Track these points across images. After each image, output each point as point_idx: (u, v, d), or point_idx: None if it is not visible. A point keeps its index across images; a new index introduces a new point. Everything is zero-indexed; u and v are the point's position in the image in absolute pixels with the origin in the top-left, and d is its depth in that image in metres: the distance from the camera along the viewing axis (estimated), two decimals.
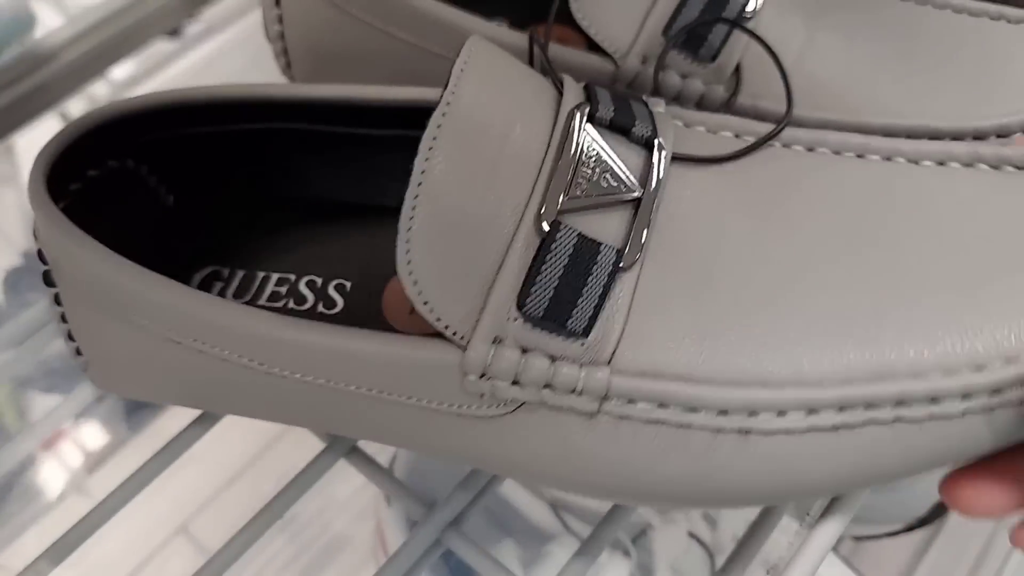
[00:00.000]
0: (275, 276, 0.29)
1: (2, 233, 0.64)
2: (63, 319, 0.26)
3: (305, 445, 0.29)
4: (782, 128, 0.23)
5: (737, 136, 0.24)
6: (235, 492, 0.66)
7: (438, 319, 0.20)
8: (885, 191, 0.22)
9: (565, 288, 0.20)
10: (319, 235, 0.29)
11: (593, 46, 0.29)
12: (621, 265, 0.21)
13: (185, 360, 0.24)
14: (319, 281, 0.29)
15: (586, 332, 0.20)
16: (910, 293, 0.20)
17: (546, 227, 0.20)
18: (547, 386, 0.21)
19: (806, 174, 0.22)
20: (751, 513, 0.26)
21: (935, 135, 0.27)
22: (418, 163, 0.20)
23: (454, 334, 0.21)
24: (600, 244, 0.20)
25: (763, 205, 0.22)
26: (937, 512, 0.52)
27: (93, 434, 0.64)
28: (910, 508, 0.52)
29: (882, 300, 0.20)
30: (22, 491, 0.60)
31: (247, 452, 0.66)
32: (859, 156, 0.23)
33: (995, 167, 0.22)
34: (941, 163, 0.22)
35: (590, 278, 0.20)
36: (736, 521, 0.45)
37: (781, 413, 0.20)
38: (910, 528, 0.53)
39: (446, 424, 0.22)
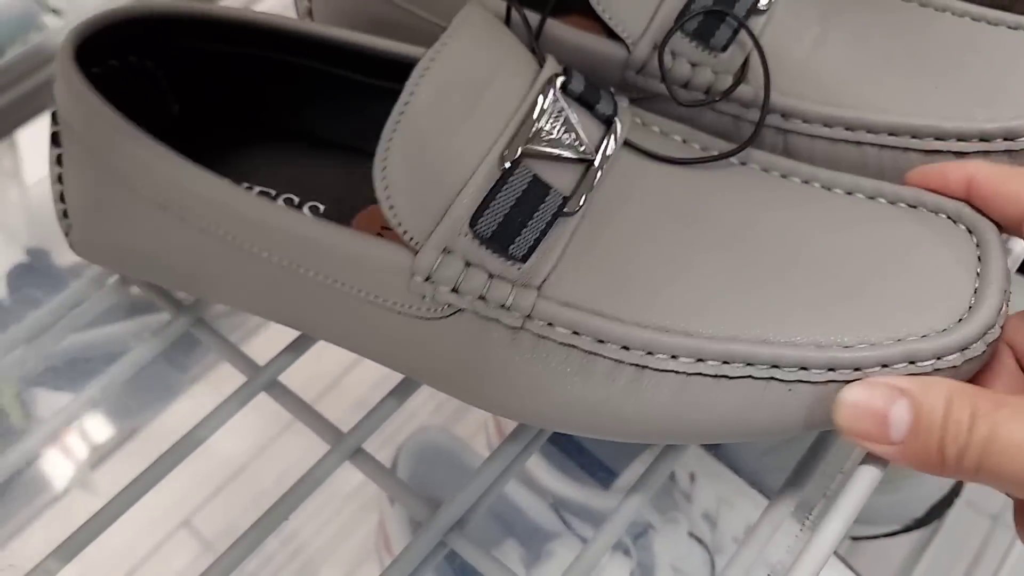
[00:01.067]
0: (257, 188, 0.31)
1: (6, 229, 0.64)
2: (60, 180, 0.29)
3: (307, 442, 0.29)
4: (740, 149, 0.26)
5: (704, 149, 0.27)
6: (238, 486, 0.66)
7: (399, 224, 0.24)
8: (798, 212, 0.25)
9: (514, 218, 0.23)
10: (301, 162, 0.32)
11: (608, 32, 0.29)
12: (565, 210, 0.24)
13: (168, 230, 0.26)
14: (296, 200, 0.31)
15: (524, 259, 0.23)
16: (794, 287, 0.23)
17: (507, 164, 0.23)
18: (481, 298, 0.24)
19: (739, 191, 0.26)
20: (752, 515, 0.26)
21: (941, 135, 0.27)
22: (406, 90, 0.23)
23: (410, 239, 0.24)
24: (550, 188, 0.24)
25: (693, 206, 0.25)
26: (934, 513, 0.52)
27: (98, 430, 0.64)
28: (908, 509, 0.52)
29: (772, 289, 0.23)
30: (27, 487, 0.60)
31: (249, 447, 0.67)
32: (804, 182, 0.26)
33: (891, 202, 0.25)
34: (849, 192, 0.26)
35: (536, 214, 0.24)
36: (736, 522, 0.46)
37: (674, 356, 0.23)
38: (908, 529, 0.53)
39: (386, 321, 0.25)
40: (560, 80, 0.25)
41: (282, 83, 0.32)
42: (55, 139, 0.28)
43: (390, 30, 0.32)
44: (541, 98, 0.24)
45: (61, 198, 0.29)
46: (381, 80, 0.30)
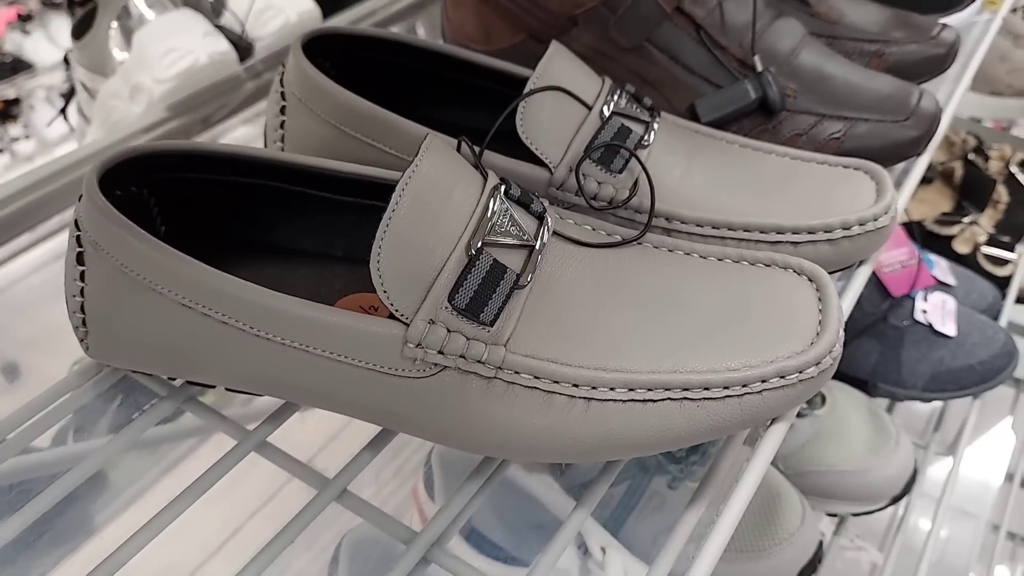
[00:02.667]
0: None
1: None
2: (81, 293, 0.33)
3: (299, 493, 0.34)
4: (636, 239, 0.35)
5: (609, 235, 0.35)
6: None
7: (391, 303, 0.30)
8: (686, 275, 0.33)
9: (481, 292, 0.30)
10: (278, 268, 0.39)
11: (534, 159, 0.38)
12: (518, 284, 0.31)
13: (191, 326, 0.32)
14: None
15: (492, 323, 0.30)
16: (690, 328, 0.31)
17: (473, 252, 0.30)
18: (462, 356, 0.30)
19: (641, 263, 0.34)
20: None
21: (780, 230, 0.37)
22: (391, 202, 0.30)
23: (402, 315, 0.30)
24: (507, 268, 0.31)
25: (608, 275, 0.33)
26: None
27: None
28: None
29: (674, 331, 0.31)
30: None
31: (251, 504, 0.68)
32: (685, 254, 0.35)
33: (752, 264, 0.34)
34: (720, 259, 0.34)
35: (498, 288, 0.30)
36: None
37: (612, 388, 0.30)
38: None
39: (382, 384, 0.31)
40: (503, 188, 0.33)
41: (259, 204, 0.38)
42: (79, 259, 0.33)
43: (347, 156, 0.39)
44: (491, 201, 0.32)
45: (81, 309, 0.34)
46: (342, 196, 0.37)
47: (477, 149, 0.36)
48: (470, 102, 0.47)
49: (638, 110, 0.40)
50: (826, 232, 0.37)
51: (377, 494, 0.89)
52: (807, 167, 0.41)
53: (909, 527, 0.69)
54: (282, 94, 0.41)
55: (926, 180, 0.88)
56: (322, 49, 0.43)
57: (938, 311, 0.66)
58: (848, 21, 0.52)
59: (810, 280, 0.33)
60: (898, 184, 0.47)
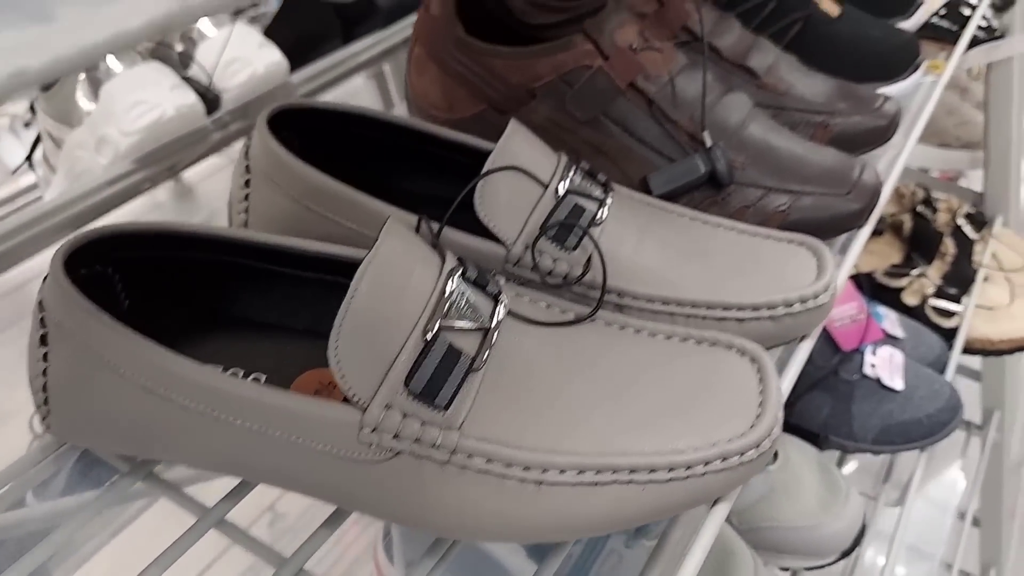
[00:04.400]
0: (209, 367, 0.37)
1: None
2: (43, 373, 0.34)
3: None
4: (588, 317, 0.36)
5: (563, 312, 0.37)
6: None
7: (349, 389, 0.30)
8: (635, 354, 0.35)
9: (436, 376, 0.31)
10: (242, 342, 0.39)
11: (491, 236, 0.39)
12: (473, 367, 0.32)
13: (151, 408, 0.32)
14: (241, 373, 0.38)
15: (447, 407, 0.31)
16: (637, 409, 0.33)
17: (429, 337, 0.31)
18: (417, 440, 0.31)
19: (592, 341, 0.35)
20: None
21: (727, 307, 0.38)
22: (351, 288, 0.31)
23: (358, 400, 0.30)
24: (461, 352, 0.32)
25: (561, 354, 0.34)
26: None
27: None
28: None
29: (622, 411, 0.32)
30: None
31: None
32: (636, 331, 0.36)
33: (698, 342, 0.36)
34: (668, 336, 0.36)
35: (452, 372, 0.31)
36: None
37: (562, 471, 0.31)
38: None
39: (338, 467, 0.31)
40: (459, 270, 0.34)
41: (223, 279, 0.39)
42: (43, 340, 0.34)
43: (310, 231, 0.40)
44: (448, 284, 0.33)
45: (43, 388, 0.34)
46: (305, 272, 0.38)
47: (437, 226, 0.38)
48: (436, 172, 0.48)
49: (592, 187, 0.42)
50: (769, 309, 0.38)
51: (340, 539, 0.89)
52: (753, 241, 0.43)
53: (865, 567, 0.71)
54: (247, 167, 0.42)
55: (876, 232, 0.91)
56: (289, 122, 0.45)
57: (886, 365, 0.68)
58: (795, 93, 0.55)
59: (752, 361, 0.34)
60: (844, 249, 0.50)
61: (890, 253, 0.90)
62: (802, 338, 0.40)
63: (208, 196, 0.81)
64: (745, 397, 0.33)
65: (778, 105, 0.54)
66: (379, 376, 0.30)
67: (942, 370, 0.76)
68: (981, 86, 1.05)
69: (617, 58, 0.48)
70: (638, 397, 0.33)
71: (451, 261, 0.34)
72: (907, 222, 0.91)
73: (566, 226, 0.39)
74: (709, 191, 0.47)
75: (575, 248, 0.39)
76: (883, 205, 0.49)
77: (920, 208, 0.93)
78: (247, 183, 0.42)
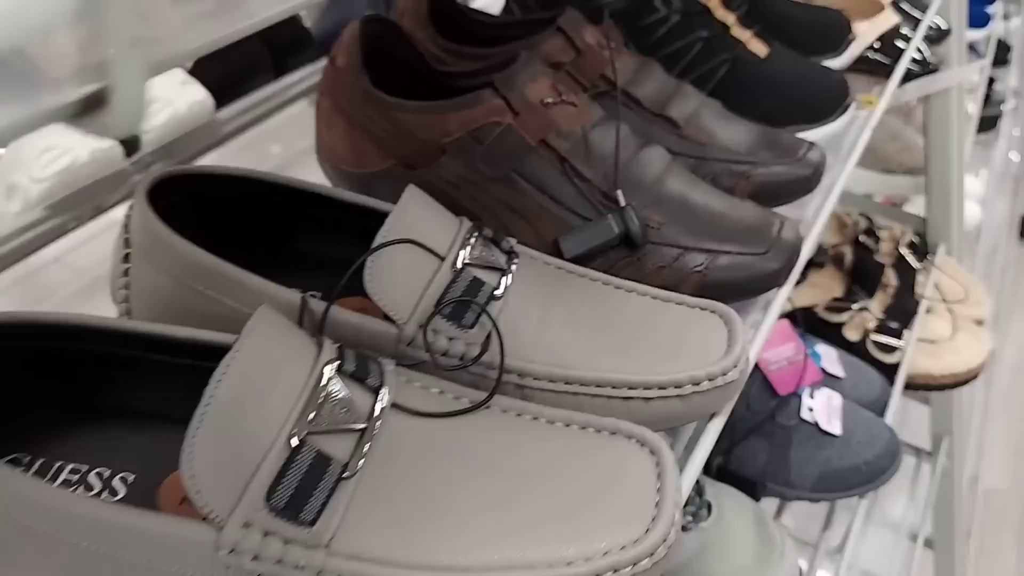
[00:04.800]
0: (69, 466, 0.35)
1: None
2: None
3: None
4: (482, 405, 0.34)
5: (456, 398, 0.34)
6: None
7: (203, 505, 0.28)
8: (529, 447, 0.33)
9: (302, 489, 0.28)
10: (112, 434, 0.36)
11: (383, 315, 0.37)
12: (344, 475, 0.29)
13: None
14: (107, 472, 0.35)
15: (312, 523, 0.28)
16: (528, 510, 0.30)
17: (294, 443, 0.29)
18: (279, 562, 0.28)
19: (485, 431, 0.33)
20: None
21: (632, 386, 0.36)
22: (209, 386, 0.28)
23: (215, 518, 0.28)
24: (331, 459, 0.29)
25: (450, 448, 0.32)
26: None
27: None
28: None
29: (513, 513, 0.30)
30: None
31: None
32: (533, 419, 0.34)
33: (597, 431, 0.34)
34: (567, 424, 0.34)
35: (320, 483, 0.29)
36: None
37: None
38: None
39: None
40: (336, 363, 0.31)
41: (94, 367, 0.36)
42: None
43: (190, 310, 0.38)
44: (321, 381, 0.30)
45: None
46: (179, 359, 0.35)
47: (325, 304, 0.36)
48: (341, 234, 0.46)
49: (494, 255, 0.40)
50: (676, 388, 0.36)
51: None
52: (665, 308, 0.41)
53: None
54: (126, 240, 0.40)
55: (818, 264, 0.90)
56: (181, 188, 0.42)
57: (824, 409, 0.67)
58: (716, 142, 0.53)
59: (652, 453, 0.33)
60: (766, 307, 0.48)
61: (832, 285, 0.89)
62: (712, 416, 0.39)
63: None
64: (642, 498, 0.31)
65: (699, 155, 0.53)
66: (238, 490, 0.28)
67: (883, 409, 0.75)
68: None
69: (528, 114, 0.46)
70: (529, 500, 0.31)
71: (328, 352, 0.32)
72: (848, 254, 0.90)
73: (463, 302, 0.37)
74: (625, 251, 0.45)
75: (472, 326, 0.37)
76: (803, 262, 0.48)
77: (863, 238, 0.93)
78: (127, 257, 0.39)
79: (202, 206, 0.44)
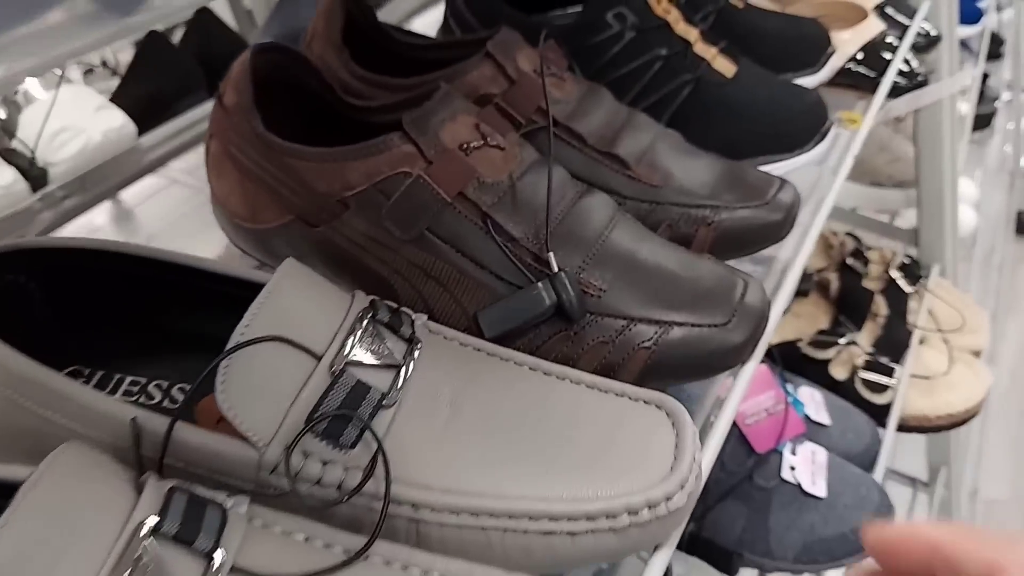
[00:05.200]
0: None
1: None
2: None
3: None
4: (358, 557, 0.27)
5: (327, 546, 0.27)
6: None
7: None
8: None
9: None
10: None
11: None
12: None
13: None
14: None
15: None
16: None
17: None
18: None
19: None
20: None
21: (554, 517, 0.29)
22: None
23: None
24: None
25: None
26: None
27: None
28: None
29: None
30: None
31: None
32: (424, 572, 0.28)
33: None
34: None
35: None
36: None
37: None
38: None
39: None
40: (150, 522, 0.25)
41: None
42: None
43: (18, 426, 0.31)
44: (131, 544, 0.24)
45: None
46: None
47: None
48: (218, 309, 0.38)
49: (388, 346, 0.32)
50: (609, 519, 0.29)
51: None
52: (600, 402, 0.33)
53: None
54: None
55: (802, 293, 0.83)
56: (29, 262, 0.35)
57: (807, 467, 0.60)
58: (673, 183, 0.46)
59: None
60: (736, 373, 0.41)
61: (817, 315, 0.82)
62: (656, 549, 0.31)
63: (147, 218, 0.70)
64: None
65: (652, 199, 0.45)
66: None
67: (873, 460, 0.68)
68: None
69: (443, 162, 0.38)
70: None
71: (146, 507, 0.25)
72: (835, 280, 0.83)
73: (341, 416, 0.30)
74: (559, 323, 0.38)
75: (353, 445, 0.29)
76: (772, 331, 0.40)
77: (850, 261, 0.86)
78: None
79: (54, 281, 0.37)
